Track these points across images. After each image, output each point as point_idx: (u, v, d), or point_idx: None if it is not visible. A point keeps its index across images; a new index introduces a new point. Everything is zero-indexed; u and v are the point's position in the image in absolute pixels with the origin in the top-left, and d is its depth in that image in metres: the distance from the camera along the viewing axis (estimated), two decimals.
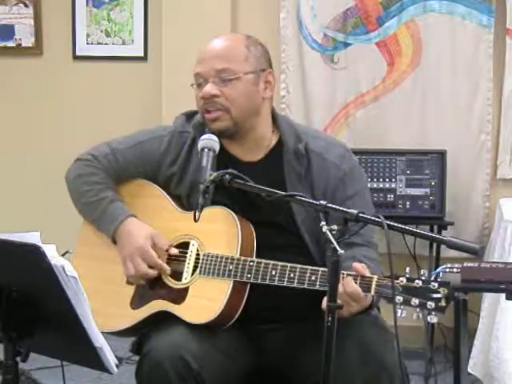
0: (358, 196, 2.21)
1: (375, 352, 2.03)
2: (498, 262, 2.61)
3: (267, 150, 2.27)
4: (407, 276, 1.88)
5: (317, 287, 2.02)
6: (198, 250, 2.19)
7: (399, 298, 1.86)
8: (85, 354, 1.77)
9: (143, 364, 2.06)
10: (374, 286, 1.93)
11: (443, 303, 1.83)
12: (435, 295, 1.83)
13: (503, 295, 2.46)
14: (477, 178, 4.08)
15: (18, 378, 1.83)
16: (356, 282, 1.94)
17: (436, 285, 1.84)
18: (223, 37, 2.28)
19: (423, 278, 1.86)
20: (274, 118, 2.29)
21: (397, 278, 1.88)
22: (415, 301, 1.85)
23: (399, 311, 1.85)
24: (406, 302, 1.85)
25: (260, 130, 2.25)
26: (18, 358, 1.81)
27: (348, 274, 1.94)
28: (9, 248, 1.71)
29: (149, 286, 2.22)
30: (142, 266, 2.19)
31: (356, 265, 1.96)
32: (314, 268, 2.05)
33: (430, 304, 1.83)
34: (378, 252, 2.22)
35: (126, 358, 3.27)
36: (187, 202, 2.26)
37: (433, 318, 1.83)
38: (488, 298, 3.41)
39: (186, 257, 2.20)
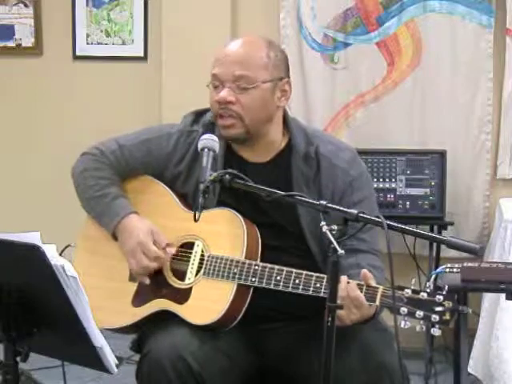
0: (364, 202, 2.20)
1: (375, 352, 2.04)
2: (498, 262, 2.61)
3: (276, 151, 2.26)
4: (412, 288, 1.88)
5: (321, 294, 2.02)
6: (202, 251, 2.19)
7: (404, 310, 1.86)
8: (85, 353, 1.77)
9: (143, 364, 2.06)
10: (379, 296, 1.93)
11: (447, 317, 1.83)
12: (439, 308, 1.83)
13: (503, 295, 2.47)
14: (477, 177, 4.08)
15: (18, 378, 1.83)
16: (361, 291, 1.94)
17: (441, 298, 1.84)
18: (245, 40, 2.24)
19: (428, 291, 1.86)
20: (286, 120, 2.28)
21: (402, 289, 1.88)
22: (420, 313, 1.84)
23: (403, 322, 1.85)
24: (411, 314, 1.85)
25: (271, 136, 2.24)
26: (18, 358, 1.82)
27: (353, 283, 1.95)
28: (9, 248, 1.71)
29: (151, 285, 2.21)
30: (144, 259, 2.19)
31: (366, 272, 1.96)
32: (320, 275, 2.04)
33: (435, 317, 1.83)
34: (380, 249, 2.22)
35: (126, 358, 3.28)
36: (193, 201, 2.24)
37: (436, 331, 1.83)
38: (488, 298, 3.40)
39: (190, 257, 2.20)
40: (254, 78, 2.15)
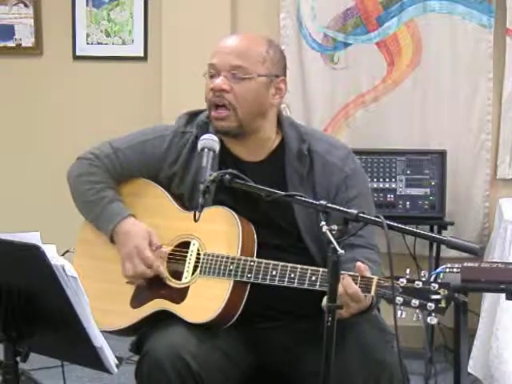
0: (359, 198, 2.20)
1: (375, 352, 2.04)
2: (498, 262, 2.60)
3: (270, 150, 2.27)
4: (407, 277, 1.88)
5: (317, 287, 2.02)
6: (198, 250, 2.19)
7: (399, 299, 1.86)
8: (85, 353, 1.77)
9: (143, 364, 2.06)
10: (374, 286, 1.94)
11: (443, 304, 1.83)
12: (435, 296, 1.83)
13: (503, 295, 2.46)
14: (477, 178, 4.08)
15: (18, 378, 1.83)
16: (356, 283, 1.94)
17: (436, 286, 1.84)
18: (245, 35, 2.28)
19: (423, 279, 1.86)
20: (279, 118, 2.29)
21: (397, 279, 1.88)
22: (415, 302, 1.85)
23: (399, 312, 1.85)
24: (406, 303, 1.86)
25: (264, 133, 2.25)
26: (18, 358, 1.82)
27: (348, 275, 1.95)
28: (9, 248, 1.71)
29: (149, 285, 2.22)
30: (140, 266, 2.19)
31: (360, 264, 1.96)
32: (315, 268, 2.05)
33: (430, 305, 1.83)
34: (379, 252, 2.22)
35: (126, 358, 3.27)
36: (189, 201, 2.26)
37: (432, 319, 1.83)
38: (488, 298, 3.41)
39: (186, 256, 2.20)
40: (250, 70, 2.16)
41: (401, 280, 1.88)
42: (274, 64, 2.21)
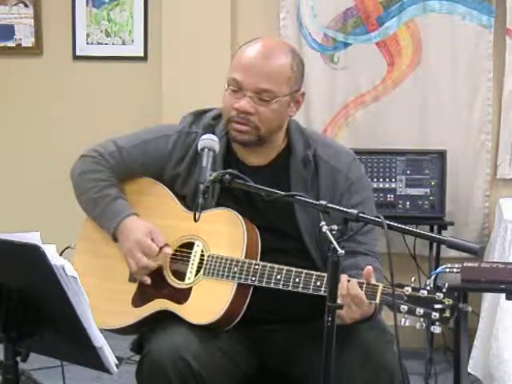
0: (362, 205, 2.18)
1: (375, 352, 2.03)
2: (498, 262, 2.61)
3: (275, 154, 2.26)
4: (412, 285, 1.88)
5: (322, 293, 2.01)
6: (202, 251, 2.19)
7: (404, 307, 1.86)
8: (85, 353, 1.77)
9: (144, 364, 2.06)
10: (379, 293, 1.93)
11: (447, 314, 1.83)
12: (440, 306, 1.83)
13: (503, 295, 2.47)
14: (477, 178, 4.08)
15: (18, 378, 1.83)
16: (362, 289, 1.94)
17: (441, 295, 1.84)
18: (271, 49, 2.17)
19: (428, 288, 1.86)
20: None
21: (402, 287, 1.88)
22: (420, 310, 1.84)
23: (403, 320, 1.85)
24: (411, 312, 1.85)
25: (276, 142, 2.24)
26: (18, 358, 1.81)
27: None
28: (9, 248, 1.71)
29: (151, 285, 2.21)
30: (143, 259, 2.19)
31: (368, 270, 1.96)
32: (320, 273, 2.04)
33: (435, 314, 1.83)
34: (379, 252, 2.22)
35: (126, 358, 3.28)
36: (192, 202, 2.24)
37: (436, 329, 1.83)
38: (488, 298, 3.41)
39: (189, 257, 2.20)
40: (276, 93, 2.13)
41: (406, 288, 1.88)
42: (296, 80, 2.18)
